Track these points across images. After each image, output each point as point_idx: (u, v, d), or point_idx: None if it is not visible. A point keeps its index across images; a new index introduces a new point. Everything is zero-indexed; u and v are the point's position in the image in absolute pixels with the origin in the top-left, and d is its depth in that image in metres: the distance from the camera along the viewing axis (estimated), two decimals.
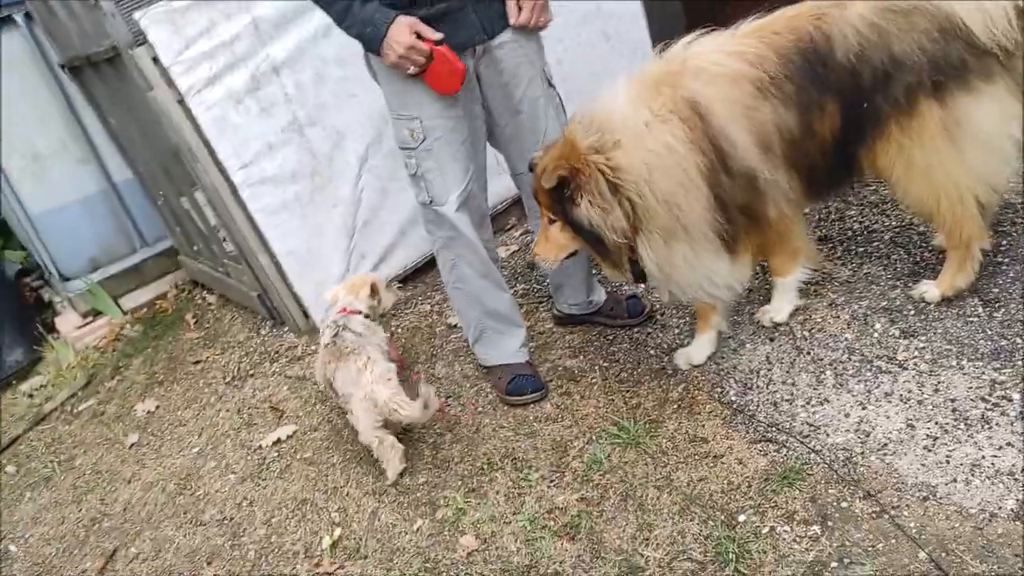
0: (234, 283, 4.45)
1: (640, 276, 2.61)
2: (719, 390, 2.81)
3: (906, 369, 2.60)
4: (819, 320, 2.93)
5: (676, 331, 3.16)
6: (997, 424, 2.31)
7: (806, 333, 2.90)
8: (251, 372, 4.01)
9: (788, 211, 2.64)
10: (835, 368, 2.71)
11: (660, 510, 2.44)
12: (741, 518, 2.32)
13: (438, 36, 2.51)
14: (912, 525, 2.14)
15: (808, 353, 2.82)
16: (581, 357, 3.20)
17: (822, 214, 3.45)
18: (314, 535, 2.88)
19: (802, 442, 2.49)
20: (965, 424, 2.35)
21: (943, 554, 2.04)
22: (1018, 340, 2.53)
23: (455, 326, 3.68)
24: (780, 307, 2.99)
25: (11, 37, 4.65)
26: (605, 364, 3.13)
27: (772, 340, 2.93)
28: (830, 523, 2.22)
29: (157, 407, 4.09)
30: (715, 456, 2.55)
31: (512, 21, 2.68)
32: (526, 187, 3.02)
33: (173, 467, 3.57)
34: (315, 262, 3.97)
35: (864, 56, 2.42)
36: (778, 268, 2.93)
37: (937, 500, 2.18)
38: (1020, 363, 2.46)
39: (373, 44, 2.55)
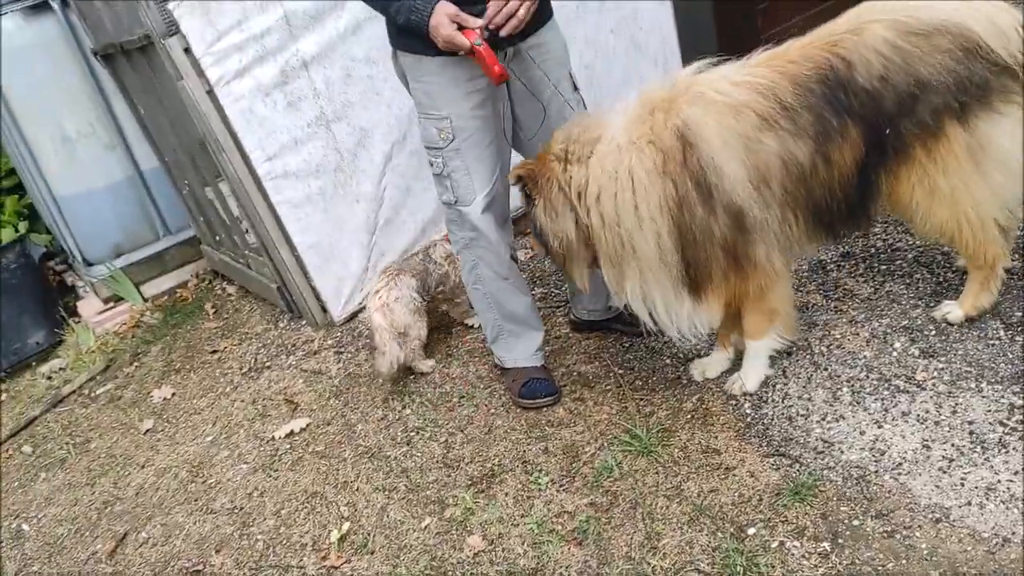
0: (254, 275, 4.47)
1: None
2: (734, 402, 2.79)
3: (924, 389, 2.58)
4: (838, 336, 2.91)
5: (693, 341, 3.14)
6: (1014, 449, 2.29)
7: (824, 349, 2.88)
8: (267, 364, 4.03)
9: (776, 259, 2.51)
10: (852, 385, 2.69)
11: (669, 519, 2.43)
12: (751, 531, 2.31)
13: (479, 23, 2.44)
14: (924, 547, 2.12)
15: (825, 369, 2.80)
16: (596, 363, 3.20)
17: None
18: (323, 528, 2.89)
19: (815, 458, 2.47)
20: (982, 447, 2.33)
21: None
22: None
23: (471, 327, 3.68)
24: (748, 374, 2.82)
25: (46, 22, 4.70)
26: (620, 371, 3.12)
27: (790, 355, 2.91)
28: (840, 540, 2.20)
29: (173, 394, 4.12)
30: (727, 468, 2.54)
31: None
32: None
33: (186, 454, 3.59)
34: (335, 257, 3.99)
35: (889, 79, 2.38)
36: (750, 329, 2.75)
37: (950, 522, 2.16)
38: None
39: (420, 30, 2.50)
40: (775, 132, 2.38)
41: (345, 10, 3.71)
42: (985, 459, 2.29)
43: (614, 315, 3.29)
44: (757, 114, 2.37)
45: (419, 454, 3.05)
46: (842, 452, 2.46)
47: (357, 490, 3.00)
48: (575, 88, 2.90)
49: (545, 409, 3.03)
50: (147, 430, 3.91)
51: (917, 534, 2.15)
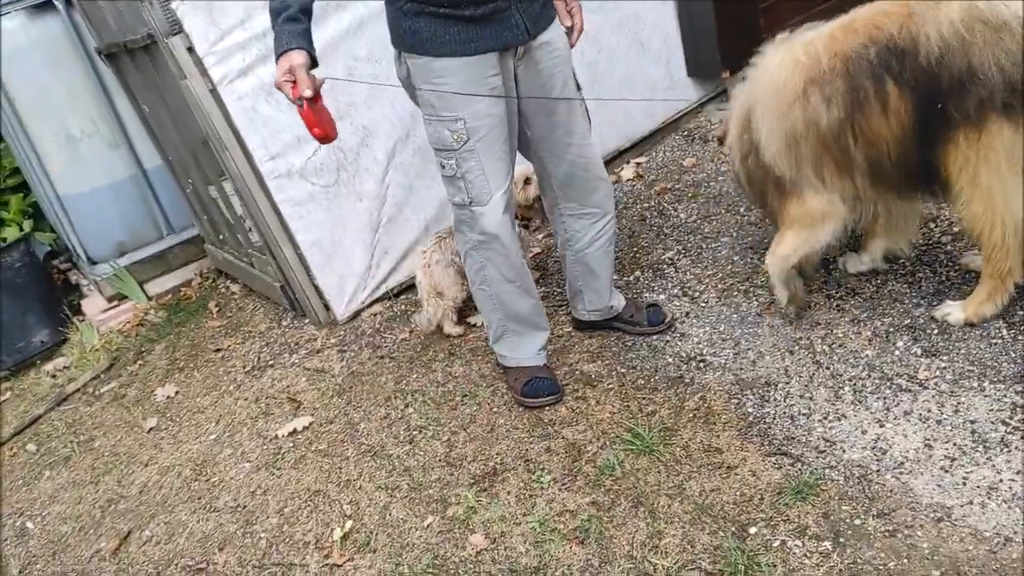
0: (257, 273, 4.48)
1: None
2: (736, 401, 2.79)
3: (926, 388, 2.58)
4: (840, 335, 2.91)
5: (696, 340, 3.15)
6: (1017, 448, 2.29)
7: (826, 348, 2.88)
8: (271, 362, 4.04)
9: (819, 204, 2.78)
10: (854, 384, 2.69)
11: (671, 518, 2.43)
12: (752, 530, 2.31)
13: (307, 94, 2.50)
14: (925, 546, 2.12)
15: (827, 368, 2.80)
16: (599, 362, 3.20)
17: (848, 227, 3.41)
18: (325, 526, 2.90)
19: (817, 457, 2.47)
20: (984, 447, 2.33)
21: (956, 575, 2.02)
22: None
23: (474, 326, 3.68)
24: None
25: (50, 21, 4.70)
26: (622, 370, 3.12)
27: (792, 353, 2.91)
28: (842, 539, 2.20)
29: (177, 393, 4.13)
30: (729, 467, 2.54)
31: (566, 24, 2.81)
32: (551, 189, 3.02)
33: (190, 453, 3.60)
34: (338, 255, 4.00)
35: (943, 61, 2.39)
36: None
37: (952, 522, 2.16)
38: None
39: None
40: (821, 97, 2.58)
41: (347, 9, 3.71)
42: (987, 458, 2.29)
43: (614, 315, 3.29)
44: (804, 79, 2.60)
45: (421, 453, 3.05)
46: (844, 451, 2.46)
47: (360, 488, 3.00)
48: (578, 87, 2.90)
49: (548, 408, 3.03)
50: (151, 428, 3.92)
51: (919, 533, 2.15)
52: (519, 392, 3.10)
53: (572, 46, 2.86)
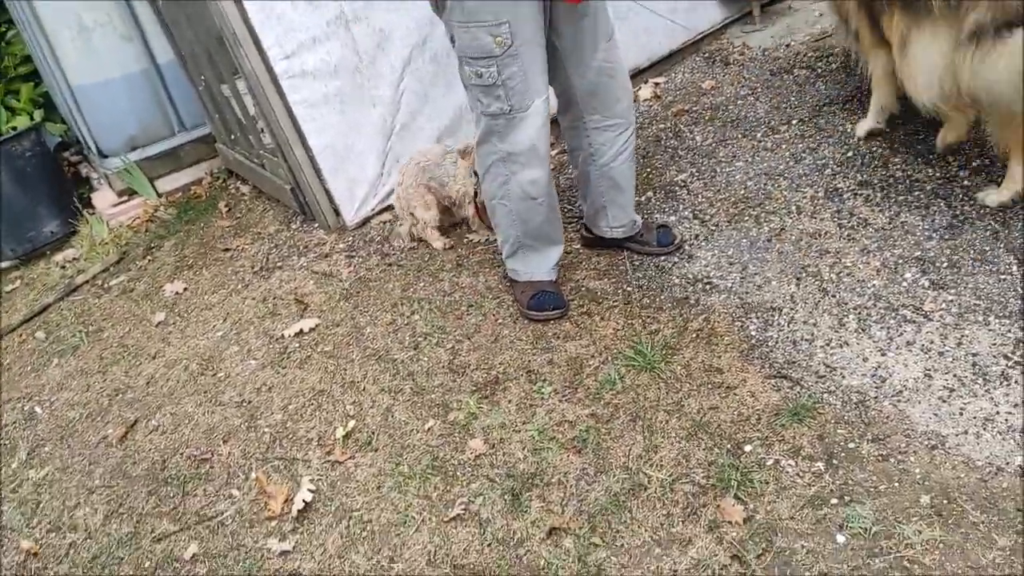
0: (268, 175, 4.46)
1: None
2: (739, 324, 2.81)
3: (931, 320, 2.59)
4: (849, 264, 2.90)
5: (703, 263, 3.15)
6: (1016, 382, 2.30)
7: (834, 276, 2.88)
8: (279, 264, 4.05)
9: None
10: (859, 313, 2.70)
11: (668, 433, 2.47)
12: (747, 448, 2.35)
13: None
14: (917, 471, 2.15)
15: (834, 296, 2.80)
16: (605, 280, 3.21)
17: (865, 158, 3.38)
18: (328, 425, 2.95)
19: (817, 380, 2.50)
20: (984, 379, 2.34)
21: (945, 501, 2.06)
22: None
23: (479, 243, 3.68)
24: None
25: None
26: (628, 289, 3.13)
27: (799, 280, 2.91)
28: (835, 461, 2.24)
29: (185, 289, 4.17)
30: (728, 387, 2.57)
31: None
32: (574, 104, 2.97)
33: (196, 348, 3.65)
34: (350, 160, 3.97)
35: None
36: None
37: (945, 450, 2.19)
38: None
39: None
40: None
41: None
42: (986, 391, 2.31)
43: (637, 231, 3.26)
44: None
45: (425, 359, 3.09)
46: (843, 377, 2.49)
47: (363, 390, 3.05)
48: None
49: (552, 322, 3.05)
50: (159, 322, 3.96)
51: (912, 459, 2.19)
52: (525, 305, 3.12)
53: None
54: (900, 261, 2.84)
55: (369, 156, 4.00)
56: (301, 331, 3.47)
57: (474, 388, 2.87)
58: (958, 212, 2.96)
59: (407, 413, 2.88)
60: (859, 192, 3.22)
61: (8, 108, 5.54)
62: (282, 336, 3.49)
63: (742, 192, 3.46)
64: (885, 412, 2.34)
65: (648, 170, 3.85)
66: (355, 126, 3.92)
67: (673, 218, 3.46)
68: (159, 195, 5.22)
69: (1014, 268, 2.65)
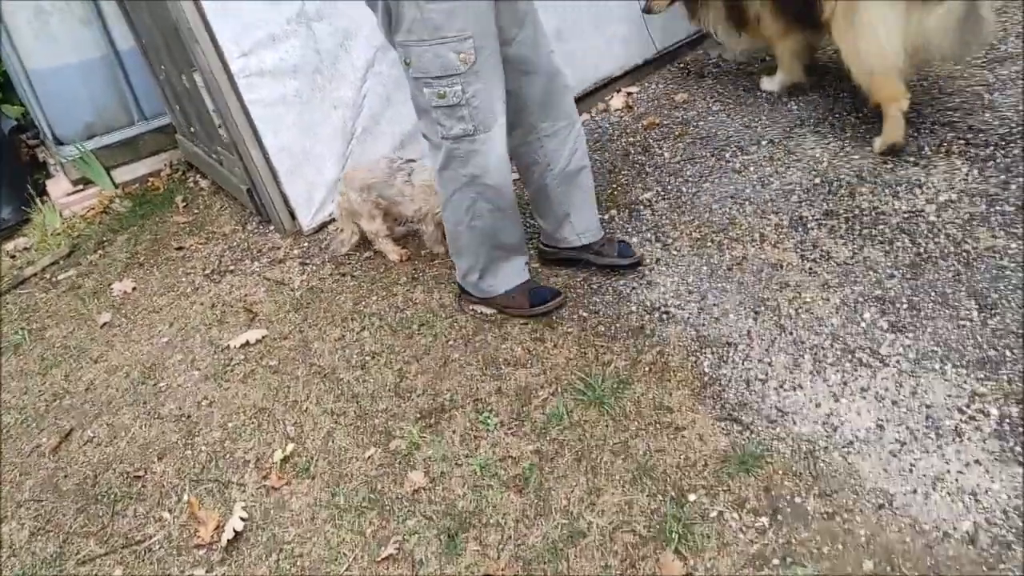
0: (226, 173, 4.33)
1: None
2: (694, 359, 2.73)
3: (887, 365, 2.52)
4: (808, 300, 2.83)
5: (662, 290, 3.06)
6: (969, 439, 2.23)
7: (792, 312, 2.80)
8: (231, 268, 3.93)
9: (768, 26, 3.76)
10: (815, 353, 2.63)
11: (612, 475, 2.39)
12: (691, 497, 2.27)
13: None
14: (863, 532, 2.08)
15: (791, 333, 2.73)
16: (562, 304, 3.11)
17: (833, 185, 3.30)
18: (267, 446, 2.85)
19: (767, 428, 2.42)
20: (936, 433, 2.27)
21: (889, 568, 1.98)
22: (1007, 352, 2.44)
23: (438, 254, 3.58)
24: (773, 80, 4.09)
25: None
26: (584, 314, 3.04)
27: (757, 314, 2.84)
28: (780, 517, 2.17)
29: (134, 289, 4.04)
30: (677, 428, 2.48)
31: None
32: (529, 114, 2.86)
33: (140, 354, 3.53)
34: (308, 162, 3.85)
35: None
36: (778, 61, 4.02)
37: (893, 510, 2.12)
38: (1005, 377, 2.37)
39: None
40: None
41: None
42: (938, 446, 2.24)
43: (599, 239, 3.17)
44: None
45: (372, 380, 2.99)
46: (795, 423, 2.41)
47: (306, 411, 2.95)
48: None
49: (502, 347, 2.96)
50: (104, 323, 3.84)
51: (858, 519, 2.11)
52: (527, 306, 3.04)
53: None
54: (860, 299, 2.77)
55: (328, 159, 3.88)
56: (247, 342, 3.36)
57: (419, 415, 2.78)
58: (922, 249, 2.89)
59: (348, 438, 2.78)
60: (824, 222, 3.14)
61: None
62: (228, 347, 3.38)
63: (707, 216, 3.38)
64: (834, 465, 2.26)
65: (614, 186, 3.75)
66: (314, 128, 3.80)
67: (635, 239, 3.37)
68: (115, 185, 5.07)
69: (974, 314, 2.59)
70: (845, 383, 2.50)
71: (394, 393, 2.90)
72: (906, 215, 3.06)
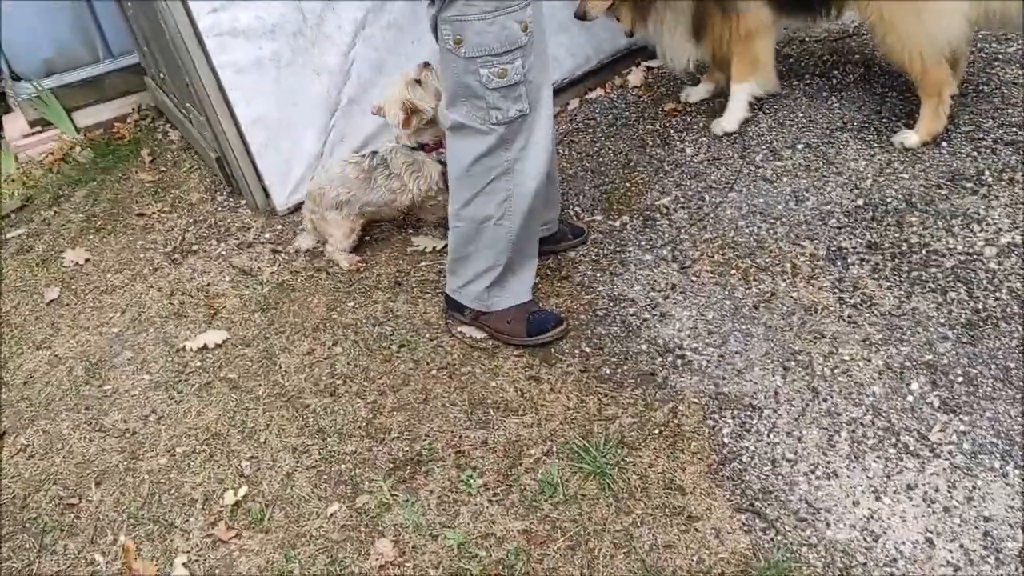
0: (196, 133, 3.88)
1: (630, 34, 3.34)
2: (711, 423, 2.37)
3: (938, 456, 2.16)
4: (847, 358, 2.45)
5: (677, 325, 2.69)
6: None
7: (828, 371, 2.44)
8: (194, 248, 3.52)
9: (759, 12, 3.13)
10: (853, 430, 2.27)
11: (612, 574, 2.05)
12: None
13: None
14: None
15: (825, 400, 2.36)
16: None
17: (878, 210, 2.90)
18: (219, 483, 2.50)
19: (796, 527, 2.08)
20: (996, 558, 1.93)
21: None
22: None
23: (424, 252, 3.18)
24: (730, 111, 3.42)
25: None
26: (587, 348, 2.67)
27: (786, 370, 2.47)
28: None
29: (87, 261, 3.63)
30: (690, 517, 2.14)
31: None
32: None
33: (87, 345, 3.15)
34: (285, 134, 3.41)
35: None
36: (735, 73, 3.33)
37: None
38: None
39: None
40: None
41: None
42: None
43: (562, 235, 3.01)
44: None
45: (341, 411, 2.63)
46: (828, 526, 2.07)
47: (264, 443, 2.59)
48: None
49: (492, 386, 2.59)
50: (51, 300, 3.45)
51: None
52: (523, 334, 2.69)
53: None
54: (907, 364, 2.40)
55: (307, 132, 3.44)
56: (205, 346, 2.98)
57: (392, 465, 2.42)
58: (980, 306, 2.51)
59: (310, 485, 2.43)
60: (866, 257, 2.75)
61: None
62: (184, 348, 3.00)
63: (731, 234, 2.98)
64: None
65: (627, 185, 3.34)
66: (292, 97, 3.35)
67: (649, 256, 2.98)
68: (77, 130, 4.59)
69: None
70: (888, 475, 2.14)
71: (365, 432, 2.54)
72: (962, 258, 2.67)
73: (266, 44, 3.22)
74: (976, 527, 2.00)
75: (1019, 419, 2.20)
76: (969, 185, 2.92)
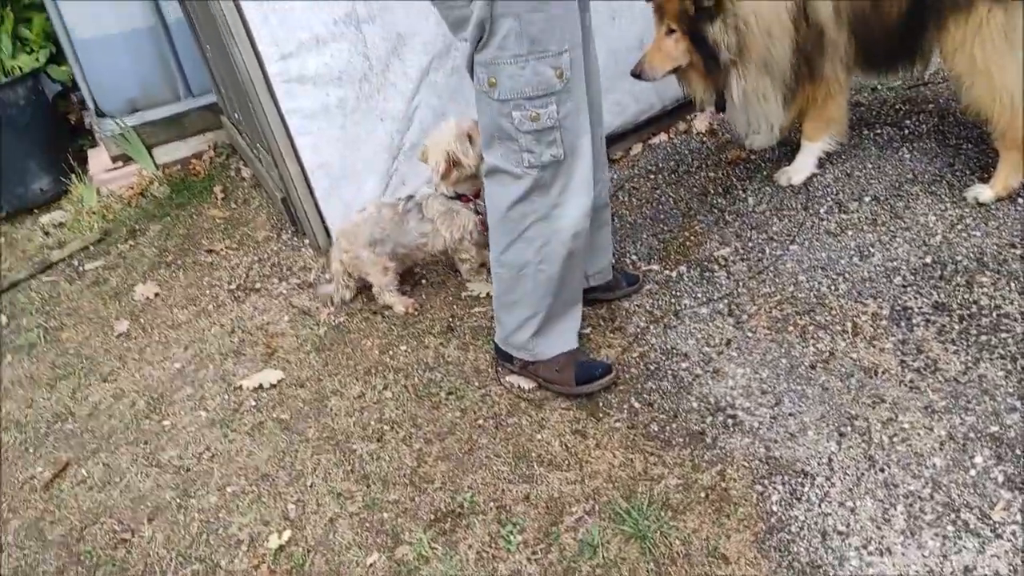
0: (264, 171, 3.98)
1: (720, 105, 3.10)
2: (760, 489, 2.29)
3: (1000, 537, 2.05)
4: (907, 427, 2.35)
5: (730, 383, 2.62)
6: None
7: (886, 439, 2.34)
8: (257, 286, 3.60)
9: (839, 75, 3.07)
10: (910, 504, 2.17)
11: None
12: None
13: None
14: None
15: (883, 470, 2.27)
16: (611, 387, 2.69)
17: (947, 269, 2.79)
18: (264, 526, 2.53)
19: None
20: None
21: None
22: None
23: (478, 297, 3.19)
24: (799, 168, 3.37)
25: None
26: (636, 404, 2.62)
27: (842, 436, 2.38)
28: None
29: (156, 295, 3.76)
30: None
31: None
32: None
33: (150, 379, 3.25)
34: (348, 179, 3.48)
35: None
36: (809, 132, 3.30)
37: None
38: None
39: None
40: None
41: None
42: None
43: (616, 283, 3.00)
44: None
45: (387, 457, 2.63)
46: None
47: (311, 487, 2.61)
48: None
49: (539, 439, 2.57)
50: (120, 334, 3.57)
51: None
52: (571, 383, 2.67)
53: None
54: (971, 435, 2.29)
55: (370, 177, 3.49)
56: (261, 386, 3.03)
57: (433, 516, 2.41)
58: None
59: (352, 532, 2.43)
60: (933, 319, 2.65)
61: (20, 39, 5.11)
62: (240, 387, 3.06)
63: (791, 289, 2.90)
64: None
65: (686, 234, 3.29)
66: (356, 143, 3.41)
67: (705, 310, 2.92)
68: (156, 166, 4.76)
69: None
70: (945, 555, 2.04)
71: (409, 481, 2.54)
72: None
73: (333, 91, 3.29)
74: None
75: None
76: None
